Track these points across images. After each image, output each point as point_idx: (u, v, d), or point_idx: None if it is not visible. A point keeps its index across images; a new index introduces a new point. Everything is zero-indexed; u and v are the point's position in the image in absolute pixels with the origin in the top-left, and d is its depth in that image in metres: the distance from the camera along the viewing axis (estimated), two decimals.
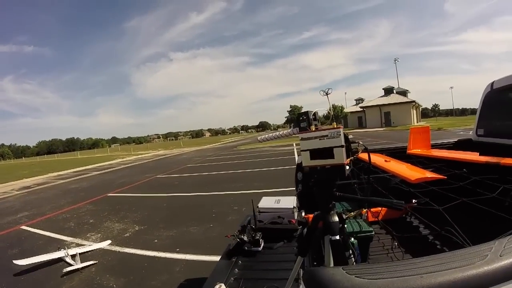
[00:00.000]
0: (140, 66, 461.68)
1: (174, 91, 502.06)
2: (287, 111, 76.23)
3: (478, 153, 2.63)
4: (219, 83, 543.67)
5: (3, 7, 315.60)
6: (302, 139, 1.39)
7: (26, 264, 4.94)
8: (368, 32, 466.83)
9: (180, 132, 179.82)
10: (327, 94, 1.52)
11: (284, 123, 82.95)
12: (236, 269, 1.95)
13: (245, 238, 2.21)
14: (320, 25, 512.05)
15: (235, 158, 20.19)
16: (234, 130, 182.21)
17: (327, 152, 1.31)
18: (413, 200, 2.21)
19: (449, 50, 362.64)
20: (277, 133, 1.80)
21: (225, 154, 24.03)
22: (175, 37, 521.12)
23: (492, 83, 3.10)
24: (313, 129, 1.39)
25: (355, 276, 0.68)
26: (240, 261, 2.07)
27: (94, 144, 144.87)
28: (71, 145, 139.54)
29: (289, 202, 2.58)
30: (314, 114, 1.48)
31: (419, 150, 3.29)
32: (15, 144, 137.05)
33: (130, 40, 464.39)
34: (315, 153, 1.35)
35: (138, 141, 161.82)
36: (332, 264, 1.41)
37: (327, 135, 1.31)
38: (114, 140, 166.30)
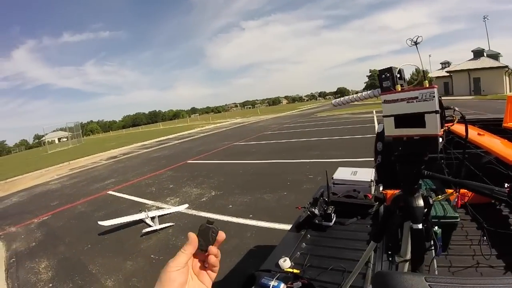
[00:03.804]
0: (212, 38, 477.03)
1: (248, 60, 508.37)
2: (367, 76, 71.22)
3: None
4: (293, 49, 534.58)
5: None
6: (385, 101, 1.17)
7: (110, 225, 5.59)
8: None
9: (257, 100, 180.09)
10: (416, 43, 1.24)
11: (364, 88, 77.63)
12: (303, 243, 1.96)
13: (316, 211, 2.17)
14: None
15: (312, 125, 19.94)
16: (312, 97, 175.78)
17: (417, 119, 1.09)
18: (506, 185, 1.82)
19: None
20: (354, 96, 1.57)
21: (302, 122, 23.85)
22: (245, 5, 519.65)
23: None
24: (399, 90, 1.16)
25: None
26: (308, 235, 2.07)
27: (175, 115, 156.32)
28: (154, 117, 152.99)
29: (367, 174, 2.44)
30: (400, 71, 1.26)
31: None
32: (103, 120, 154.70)
33: (200, 13, 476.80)
34: (401, 120, 1.14)
35: (216, 110, 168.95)
36: (409, 256, 1.27)
37: (417, 97, 1.09)
38: (193, 110, 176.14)
